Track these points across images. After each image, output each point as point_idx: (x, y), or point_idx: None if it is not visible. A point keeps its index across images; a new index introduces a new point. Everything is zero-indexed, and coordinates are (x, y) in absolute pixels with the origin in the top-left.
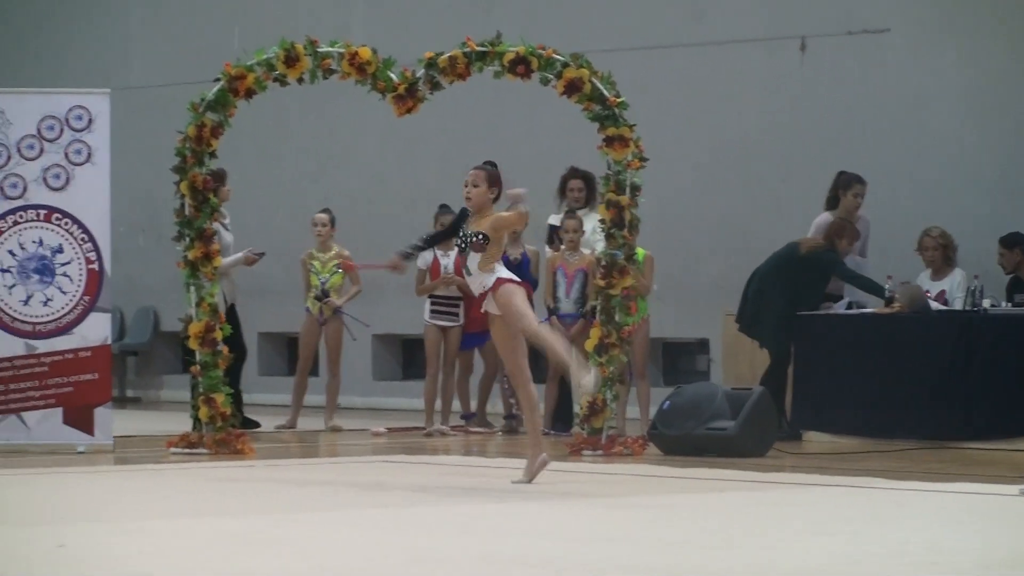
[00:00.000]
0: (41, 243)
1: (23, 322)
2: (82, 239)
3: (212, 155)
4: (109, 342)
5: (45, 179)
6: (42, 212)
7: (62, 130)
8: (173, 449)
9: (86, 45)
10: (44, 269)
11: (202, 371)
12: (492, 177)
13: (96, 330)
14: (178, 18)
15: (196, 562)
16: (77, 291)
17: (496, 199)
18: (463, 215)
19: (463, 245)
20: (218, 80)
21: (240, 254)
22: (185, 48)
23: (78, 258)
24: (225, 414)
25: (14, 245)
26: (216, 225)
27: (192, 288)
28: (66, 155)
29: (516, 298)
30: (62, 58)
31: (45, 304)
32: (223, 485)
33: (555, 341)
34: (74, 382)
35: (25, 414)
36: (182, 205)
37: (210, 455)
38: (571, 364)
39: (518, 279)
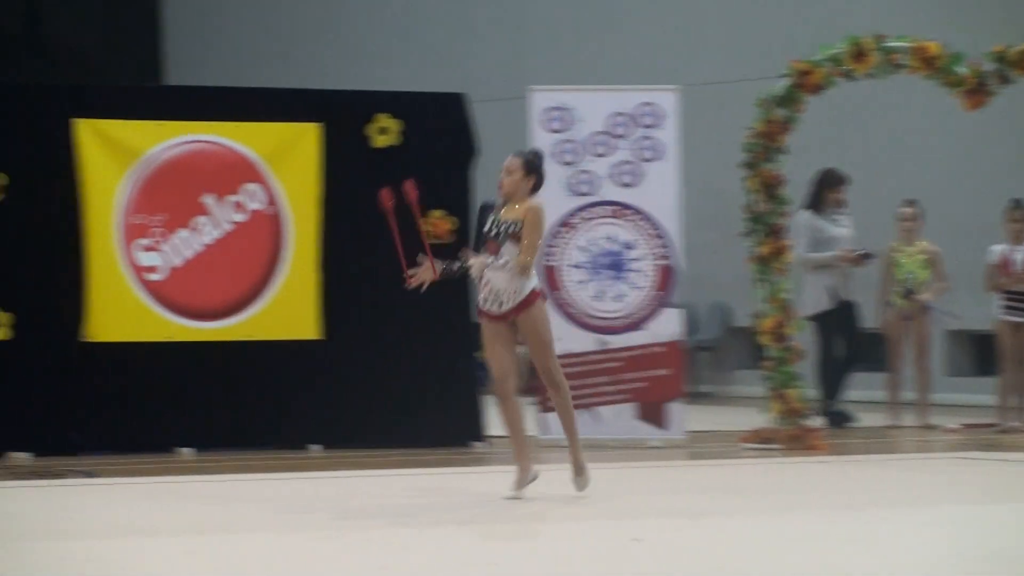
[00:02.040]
0: (612, 239)
1: (595, 318)
2: (653, 235)
3: (780, 151)
4: (680, 338)
5: (616, 176)
6: (613, 208)
7: (632, 127)
8: (745, 444)
9: (654, 42)
10: (615, 265)
11: (774, 366)
12: (530, 165)
13: (667, 326)
14: (745, 14)
15: (777, 559)
16: (649, 287)
17: (534, 189)
18: (486, 210)
19: (496, 232)
20: (785, 76)
21: (833, 253)
22: (751, 44)
23: (649, 254)
24: (798, 409)
25: (585, 241)
26: (821, 222)
27: (763, 283)
28: (636, 152)
29: (546, 327)
30: (629, 55)
31: (617, 300)
32: (792, 480)
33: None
34: (647, 377)
35: (599, 409)
36: (752, 200)
37: (782, 450)
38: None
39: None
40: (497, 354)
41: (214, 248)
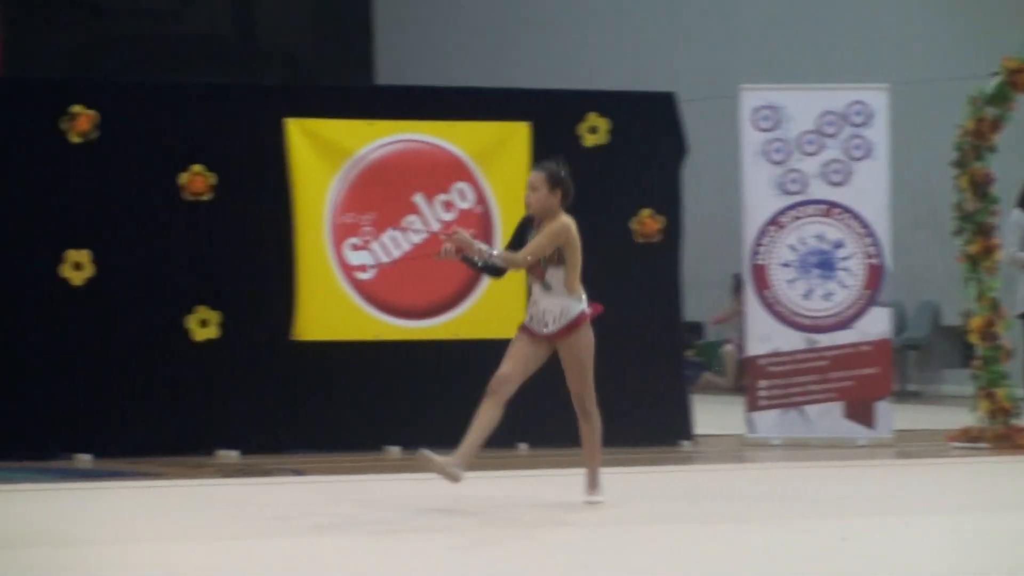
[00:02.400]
0: (822, 238)
1: (804, 316)
2: (862, 233)
3: (990, 149)
4: (889, 336)
5: (825, 174)
6: (822, 207)
7: (841, 126)
8: (954, 444)
9: (863, 40)
10: (825, 263)
11: (983, 365)
12: (554, 177)
13: (875, 324)
14: (955, 12)
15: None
16: (858, 285)
17: (563, 201)
18: (526, 223)
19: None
20: (996, 74)
21: None
22: (962, 42)
23: (858, 252)
24: (1006, 408)
25: (795, 240)
26: None
27: (972, 282)
28: (845, 150)
29: (588, 352)
30: (839, 54)
31: (826, 298)
32: (998, 479)
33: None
34: (855, 376)
35: (806, 408)
36: (961, 199)
37: (990, 450)
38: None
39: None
40: (517, 357)
41: (423, 247)
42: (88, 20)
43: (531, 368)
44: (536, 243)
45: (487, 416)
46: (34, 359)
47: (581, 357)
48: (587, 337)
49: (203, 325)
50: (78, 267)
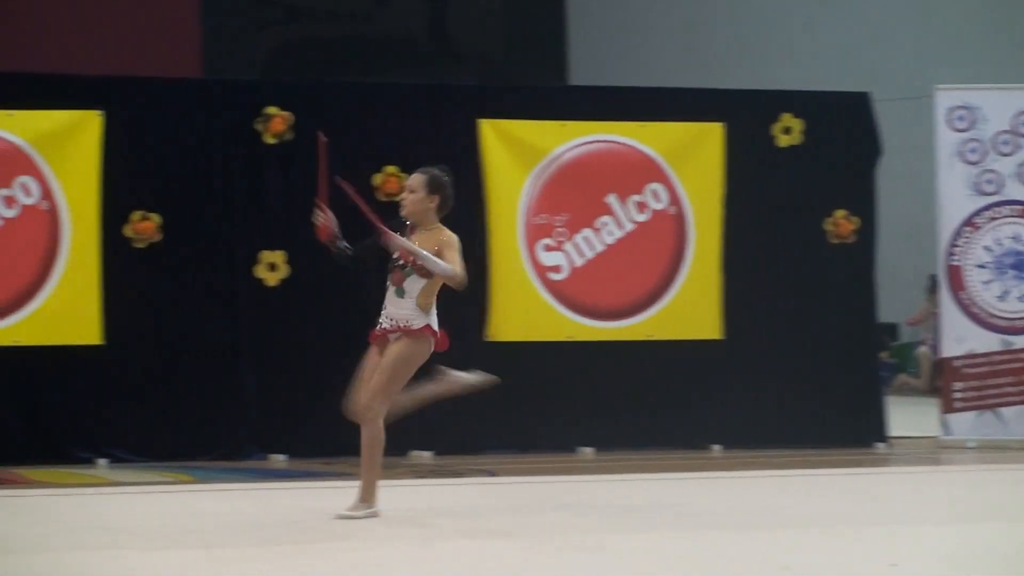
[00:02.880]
0: (1018, 239)
1: (1000, 318)
2: None
3: None
4: None
5: (1021, 175)
6: (1018, 208)
7: None
8: None
9: None
10: (1020, 265)
11: None
12: (434, 183)
13: None
14: None
15: None
16: None
17: (440, 210)
18: (400, 222)
19: (402, 264)
20: None
21: None
22: None
23: None
24: None
25: (990, 241)
26: None
27: None
28: None
29: (407, 368)
30: None
31: (1021, 300)
32: None
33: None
34: None
35: (1002, 410)
36: None
37: None
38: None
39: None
40: (368, 379)
41: (616, 248)
42: (283, 23)
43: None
44: (456, 260)
45: (365, 439)
46: (229, 360)
47: (396, 364)
48: (416, 349)
49: None
50: (273, 268)
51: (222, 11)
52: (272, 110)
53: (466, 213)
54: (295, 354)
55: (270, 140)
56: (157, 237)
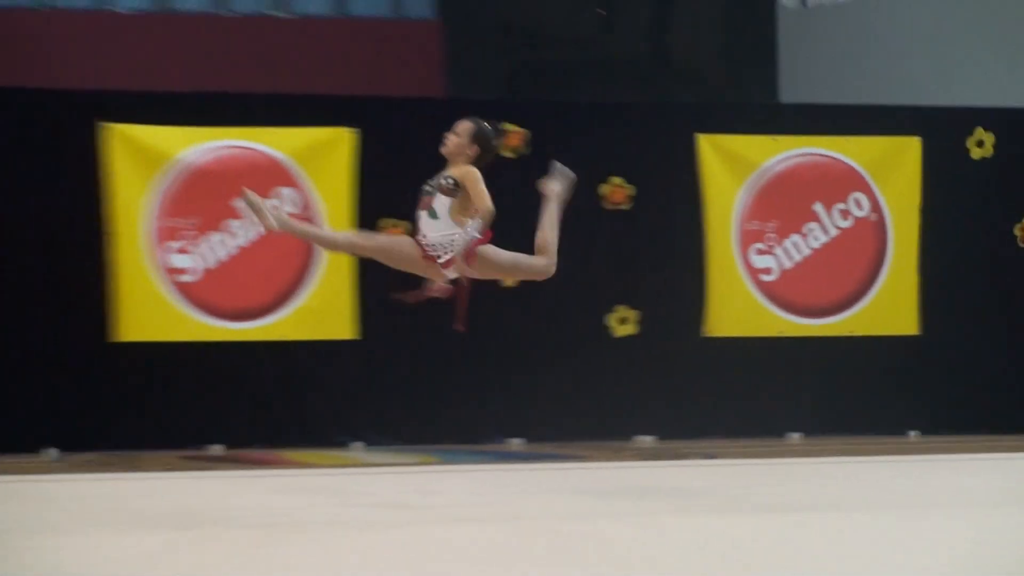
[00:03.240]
0: None
1: None
2: None
3: None
4: None
5: None
6: None
7: None
8: None
9: None
10: None
11: None
12: (479, 135)
13: None
14: None
15: None
16: None
17: (478, 160)
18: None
19: (429, 189)
20: None
21: None
22: None
23: None
24: None
25: None
26: None
27: None
28: None
29: (502, 254)
30: None
31: None
32: None
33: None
34: None
35: None
36: None
37: None
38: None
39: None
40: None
41: (822, 252)
42: (521, 48)
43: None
44: (480, 192)
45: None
46: (472, 352)
47: (495, 260)
48: (490, 250)
49: (622, 322)
50: None
51: (466, 36)
52: (510, 126)
53: (685, 218)
54: (531, 348)
55: (507, 154)
56: None
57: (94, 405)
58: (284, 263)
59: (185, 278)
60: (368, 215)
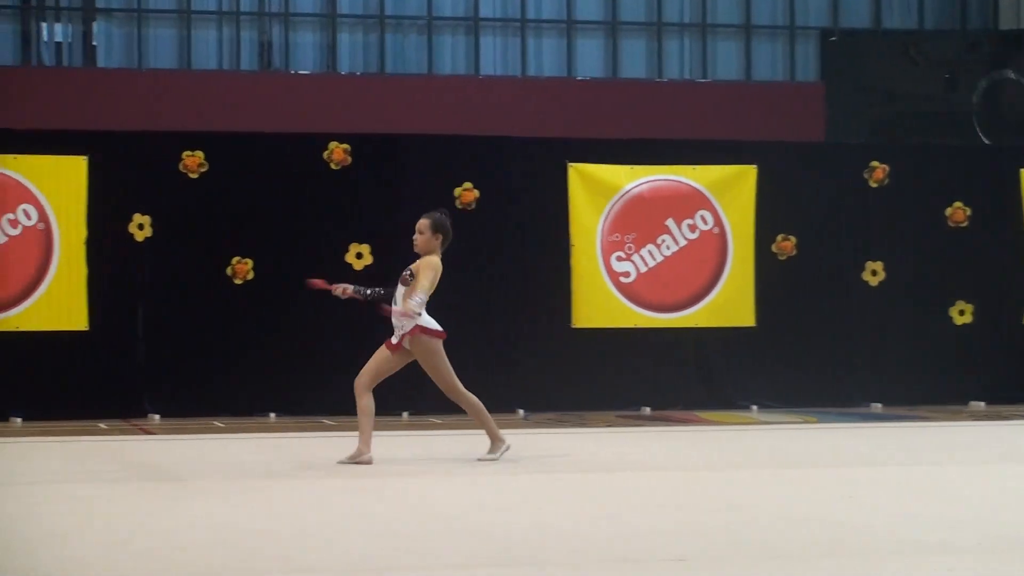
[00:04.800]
0: None
1: None
2: None
3: None
4: None
5: None
6: None
7: None
8: None
9: None
10: None
11: None
12: (437, 224)
13: None
14: None
15: None
16: None
17: (443, 244)
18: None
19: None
20: None
21: None
22: None
23: None
24: None
25: None
26: None
27: None
28: None
29: (436, 357)
30: None
31: None
32: None
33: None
34: None
35: None
36: None
37: None
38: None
39: (436, 327)
40: (376, 357)
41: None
42: (883, 103)
43: (387, 365)
44: (420, 277)
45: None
46: (840, 334)
47: (427, 356)
48: (424, 342)
49: (960, 314)
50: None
51: (839, 96)
52: (875, 163)
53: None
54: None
55: (872, 185)
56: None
57: (556, 375)
58: (701, 268)
59: (626, 279)
60: (765, 234)
